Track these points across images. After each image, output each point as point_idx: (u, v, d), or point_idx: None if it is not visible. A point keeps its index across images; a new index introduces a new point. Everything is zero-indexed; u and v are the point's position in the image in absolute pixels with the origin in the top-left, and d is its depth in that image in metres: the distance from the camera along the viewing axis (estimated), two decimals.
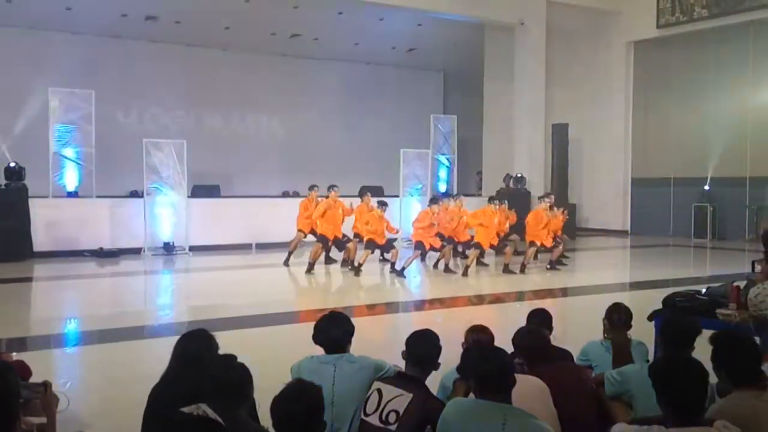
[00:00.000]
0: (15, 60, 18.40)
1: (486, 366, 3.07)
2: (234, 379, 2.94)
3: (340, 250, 13.22)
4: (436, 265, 13.12)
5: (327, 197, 13.02)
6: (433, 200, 13.17)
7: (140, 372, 5.75)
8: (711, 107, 19.02)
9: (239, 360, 3.20)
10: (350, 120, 23.38)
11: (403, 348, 3.72)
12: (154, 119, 21.04)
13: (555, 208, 13.73)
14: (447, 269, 12.68)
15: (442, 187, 19.58)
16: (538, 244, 13.08)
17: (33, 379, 3.83)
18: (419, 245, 12.57)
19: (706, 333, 3.91)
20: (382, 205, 12.80)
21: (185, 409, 2.43)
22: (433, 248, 12.56)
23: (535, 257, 13.66)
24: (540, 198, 14.43)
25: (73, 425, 3.97)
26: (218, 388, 2.81)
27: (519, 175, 19.22)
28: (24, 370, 4.17)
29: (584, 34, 21.37)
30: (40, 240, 14.16)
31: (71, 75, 17.58)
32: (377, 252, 13.00)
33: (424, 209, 13.59)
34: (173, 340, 3.70)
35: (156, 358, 5.45)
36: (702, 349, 3.64)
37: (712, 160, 18.76)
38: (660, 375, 2.86)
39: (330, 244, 13.05)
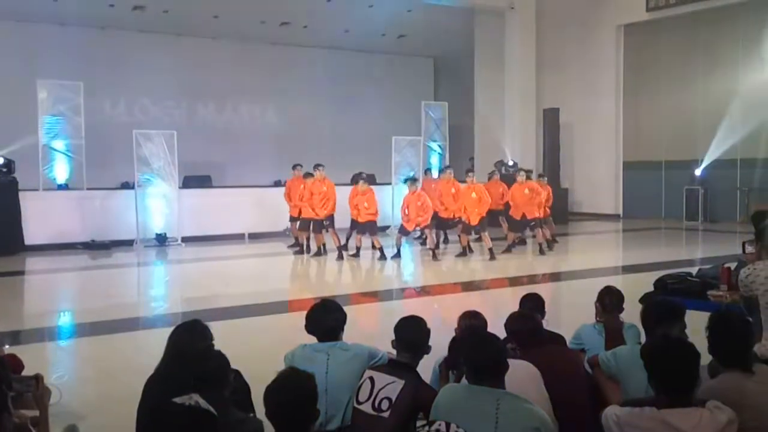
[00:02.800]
0: (1, 52, 18.25)
1: (479, 352, 3.07)
2: (211, 369, 2.94)
3: (314, 232, 13.17)
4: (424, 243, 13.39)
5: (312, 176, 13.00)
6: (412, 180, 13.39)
7: (134, 364, 5.75)
8: (701, 90, 19.02)
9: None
10: (341, 108, 23.30)
11: (393, 337, 3.73)
12: (143, 110, 20.93)
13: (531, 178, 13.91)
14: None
15: (435, 174, 19.55)
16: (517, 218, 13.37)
17: (25, 373, 3.82)
18: (401, 229, 12.96)
19: (697, 315, 3.94)
20: (360, 179, 12.87)
21: (177, 400, 2.43)
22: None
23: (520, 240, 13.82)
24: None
25: (67, 418, 3.97)
26: (197, 379, 2.82)
27: (513, 162, 19.21)
28: (16, 363, 4.17)
29: (574, 17, 21.31)
30: (31, 233, 14.08)
31: (59, 66, 17.46)
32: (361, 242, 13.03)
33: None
34: (167, 331, 3.70)
35: (150, 350, 5.46)
36: (694, 331, 3.66)
37: (703, 142, 18.79)
38: (651, 356, 2.88)
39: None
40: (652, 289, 5.45)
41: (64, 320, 8.74)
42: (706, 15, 18.64)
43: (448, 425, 2.34)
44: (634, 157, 20.82)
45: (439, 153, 19.50)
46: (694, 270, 5.63)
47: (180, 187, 15.76)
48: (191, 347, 3.38)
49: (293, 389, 2.67)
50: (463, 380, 3.25)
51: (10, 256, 13.22)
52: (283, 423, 2.62)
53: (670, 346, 2.90)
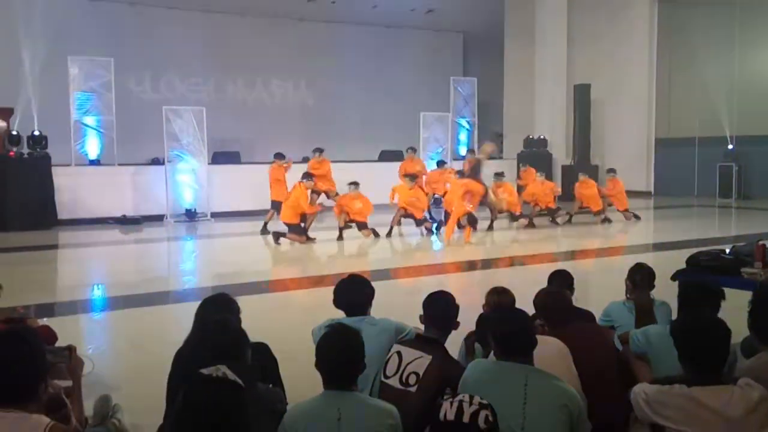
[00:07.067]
0: (33, 28, 18.38)
1: (506, 327, 3.06)
2: (227, 342, 2.96)
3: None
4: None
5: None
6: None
7: (165, 336, 5.83)
8: (736, 64, 18.61)
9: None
10: (369, 84, 23.18)
11: (421, 312, 3.72)
12: (171, 86, 21.02)
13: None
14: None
15: (462, 151, 19.45)
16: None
17: (59, 344, 3.89)
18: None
19: (730, 293, 3.87)
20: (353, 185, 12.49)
21: (205, 371, 2.45)
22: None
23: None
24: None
25: (99, 388, 4.03)
26: (214, 352, 2.85)
27: (543, 137, 19.03)
28: (50, 334, 4.24)
29: None
30: (64, 208, 14.32)
31: (90, 43, 17.56)
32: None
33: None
34: (197, 305, 3.73)
35: (180, 322, 5.52)
36: (726, 308, 3.60)
37: (737, 118, 18.40)
38: (682, 333, 2.84)
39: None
40: (684, 266, 5.37)
41: (97, 293, 8.88)
42: None
43: (471, 397, 2.32)
44: (666, 133, 20.48)
45: (467, 129, 19.38)
46: (727, 247, 5.53)
47: (209, 163, 15.87)
48: (220, 320, 3.39)
49: (341, 344, 2.85)
50: (491, 356, 3.24)
51: (43, 231, 13.45)
52: (331, 373, 2.82)
53: (700, 323, 2.86)
